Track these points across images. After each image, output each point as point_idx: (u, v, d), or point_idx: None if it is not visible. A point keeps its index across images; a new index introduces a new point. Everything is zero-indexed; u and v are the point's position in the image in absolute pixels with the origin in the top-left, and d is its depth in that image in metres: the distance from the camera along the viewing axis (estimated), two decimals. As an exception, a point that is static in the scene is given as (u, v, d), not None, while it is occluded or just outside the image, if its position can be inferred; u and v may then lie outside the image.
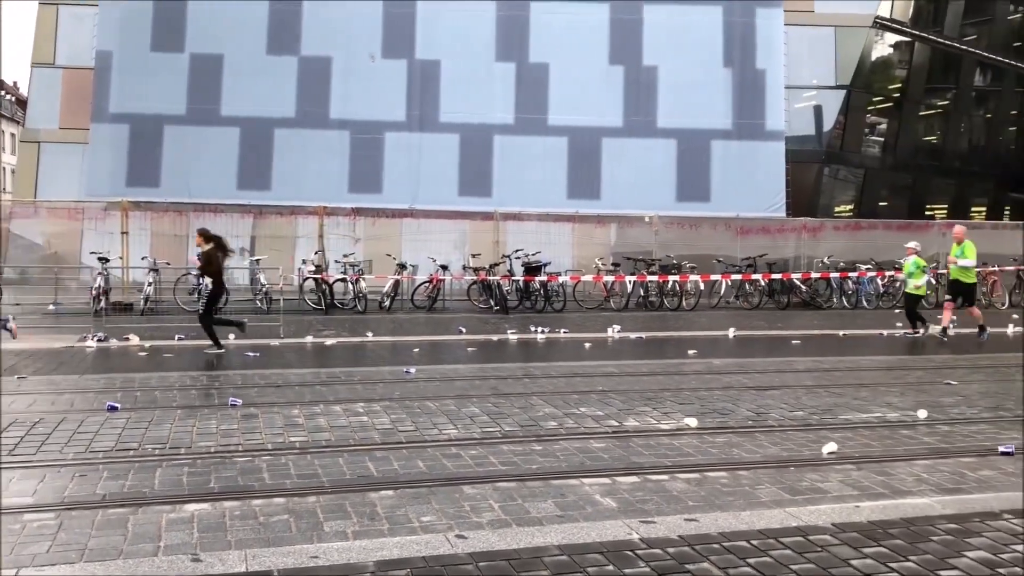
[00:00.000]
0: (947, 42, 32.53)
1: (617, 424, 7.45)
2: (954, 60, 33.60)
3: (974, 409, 8.44)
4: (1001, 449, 6.79)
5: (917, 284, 15.21)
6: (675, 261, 19.87)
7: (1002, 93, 36.59)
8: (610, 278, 19.11)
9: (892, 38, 30.97)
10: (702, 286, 19.23)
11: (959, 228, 15.03)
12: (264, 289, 16.81)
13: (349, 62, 26.19)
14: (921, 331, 14.92)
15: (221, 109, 25.87)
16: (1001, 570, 4.28)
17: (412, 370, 9.99)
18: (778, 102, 26.64)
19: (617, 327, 15.26)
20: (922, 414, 8.04)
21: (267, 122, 25.94)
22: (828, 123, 29.80)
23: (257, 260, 17.47)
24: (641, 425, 7.45)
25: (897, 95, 32.18)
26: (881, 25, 29.67)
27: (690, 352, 12.47)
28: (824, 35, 28.89)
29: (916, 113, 33.28)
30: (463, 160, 26.32)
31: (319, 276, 17.12)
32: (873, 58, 30.74)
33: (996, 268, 20.69)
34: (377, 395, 8.54)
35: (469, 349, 12.55)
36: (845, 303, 20.11)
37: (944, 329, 14.54)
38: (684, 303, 19.23)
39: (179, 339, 13.01)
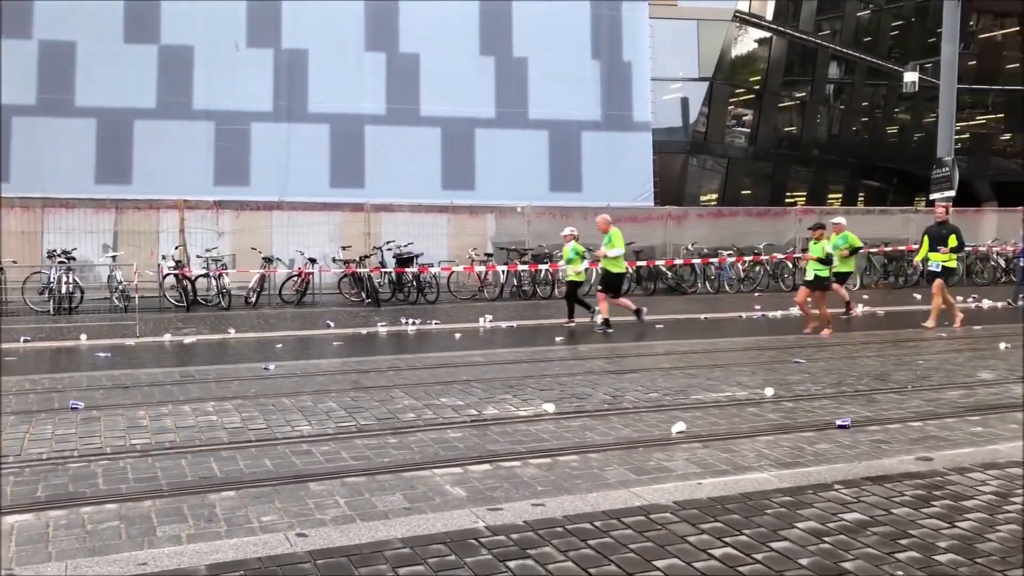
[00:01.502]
0: (803, 36, 34.04)
1: (476, 413, 7.45)
2: (810, 53, 35.22)
3: (818, 386, 8.85)
4: (838, 423, 7.13)
5: (576, 270, 14.86)
6: (547, 250, 20.08)
7: (854, 85, 38.60)
8: (483, 268, 19.13)
9: (752, 32, 32.18)
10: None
11: (602, 218, 14.41)
12: (121, 287, 16.06)
13: (212, 51, 25.27)
14: (574, 323, 14.47)
15: (75, 99, 24.54)
16: (827, 538, 4.46)
17: (271, 366, 9.73)
18: (645, 94, 27.27)
19: (489, 317, 15.31)
20: (769, 392, 8.38)
21: (126, 112, 24.75)
22: (693, 115, 30.75)
23: (113, 256, 16.66)
24: (500, 413, 7.47)
25: (757, 87, 33.49)
26: (741, 19, 30.78)
27: (557, 339, 12.62)
28: (687, 28, 29.76)
29: (775, 104, 34.73)
30: (334, 151, 25.83)
31: (179, 272, 16.46)
32: (734, 51, 31.87)
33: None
34: (231, 393, 8.27)
35: (335, 343, 12.34)
36: (708, 288, 20.80)
37: (606, 321, 13.77)
38: (557, 291, 19.45)
39: (24, 341, 12.28)
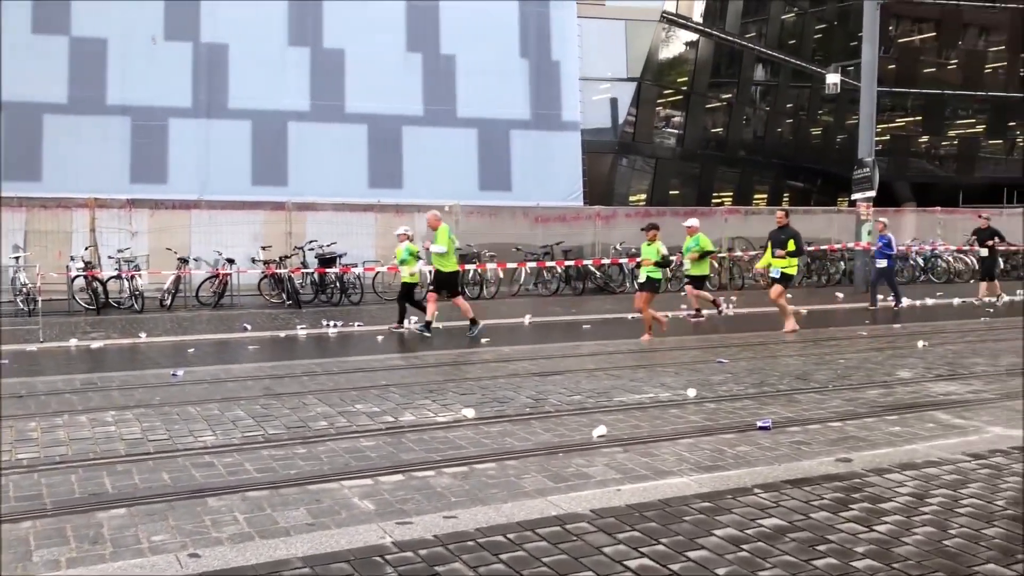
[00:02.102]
0: (729, 38, 34.46)
1: (392, 420, 7.19)
2: (736, 55, 35.69)
3: (740, 386, 8.81)
4: (759, 424, 7.06)
5: (411, 271, 14.35)
6: (475, 250, 19.86)
7: (779, 87, 39.29)
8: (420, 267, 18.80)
9: (679, 33, 32.44)
10: (501, 274, 19.33)
11: (432, 214, 13.77)
12: (25, 289, 15.27)
13: (127, 44, 24.38)
14: (405, 328, 13.83)
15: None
16: (745, 546, 4.34)
17: (180, 372, 9.30)
18: (573, 93, 27.25)
19: (414, 318, 14.99)
20: (691, 393, 8.29)
21: (36, 107, 23.69)
22: (621, 115, 30.87)
23: (15, 257, 15.87)
24: (417, 419, 7.22)
25: (685, 88, 33.79)
26: (668, 20, 31.00)
27: (483, 341, 12.40)
28: (615, 29, 29.84)
29: (703, 105, 35.10)
30: (256, 148, 25.16)
31: (87, 274, 15.74)
32: (662, 52, 32.09)
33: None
34: (134, 402, 7.84)
35: (251, 347, 11.89)
36: (636, 287, 20.77)
37: (427, 324, 13.21)
38: (485, 291, 19.24)
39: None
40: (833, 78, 23.12)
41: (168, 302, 16.70)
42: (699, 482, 5.48)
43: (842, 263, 22.91)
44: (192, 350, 11.52)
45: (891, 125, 46.08)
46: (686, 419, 7.35)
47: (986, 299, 18.70)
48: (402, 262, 14.38)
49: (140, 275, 16.23)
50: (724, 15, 34.51)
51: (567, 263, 19.85)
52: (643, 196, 32.78)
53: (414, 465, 5.88)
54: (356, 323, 14.50)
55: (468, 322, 13.19)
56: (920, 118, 45.95)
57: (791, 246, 13.59)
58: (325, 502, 5.12)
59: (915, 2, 43.23)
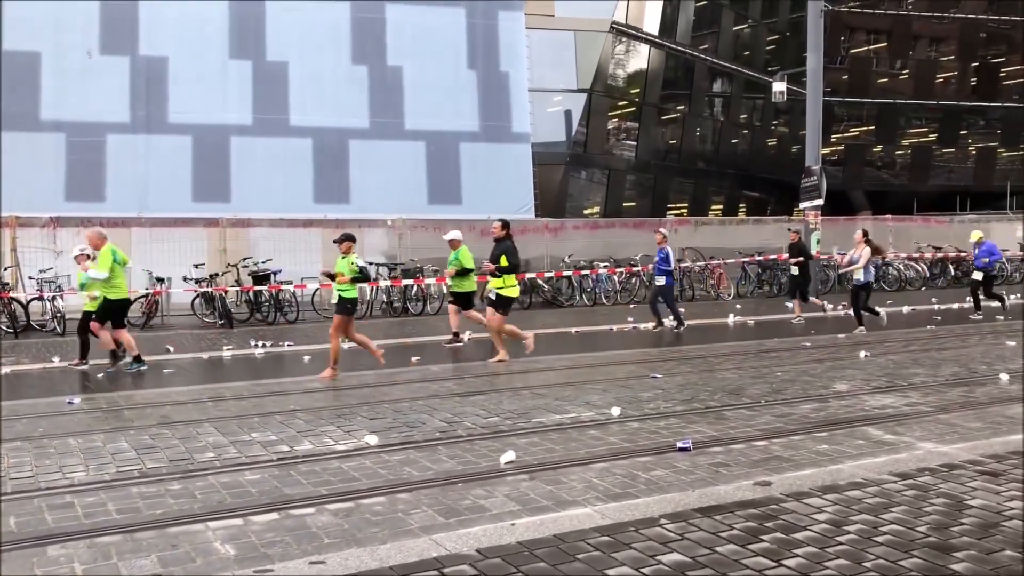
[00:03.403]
0: (680, 48, 34.41)
1: (287, 450, 6.67)
2: (688, 66, 35.64)
3: (669, 403, 8.40)
4: (678, 445, 6.65)
5: (93, 295, 11.34)
6: (419, 265, 19.37)
7: (732, 98, 39.31)
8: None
9: (630, 43, 32.30)
10: (445, 289, 18.81)
11: (91, 233, 11.58)
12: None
13: (61, 58, 23.66)
14: (86, 363, 11.50)
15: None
16: (638, 587, 3.91)
17: (76, 400, 8.71)
18: (523, 104, 26.93)
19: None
20: (615, 411, 7.87)
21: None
22: (572, 126, 30.62)
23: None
24: (314, 448, 6.71)
25: (637, 99, 33.63)
26: (618, 30, 30.83)
27: (413, 359, 11.91)
28: (565, 39, 29.62)
29: (655, 116, 34.99)
30: (197, 163, 24.53)
31: (2, 295, 15.00)
32: (612, 63, 31.90)
33: (721, 261, 21.79)
34: (12, 434, 7.23)
35: (165, 371, 11.26)
36: (585, 300, 20.45)
37: (113, 352, 11.17)
38: (428, 307, 18.76)
39: None
40: (779, 86, 23.02)
41: (93, 323, 15.95)
42: (602, 513, 5.05)
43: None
44: (102, 375, 10.89)
45: (845, 135, 46.46)
46: (604, 441, 6.92)
47: (795, 319, 16.71)
48: (81, 286, 11.79)
49: (62, 296, 15.51)
50: (675, 26, 34.47)
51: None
52: (596, 208, 32.51)
53: (294, 502, 5.37)
54: (286, 343, 13.94)
55: (110, 354, 11.15)
56: (873, 128, 46.36)
57: (503, 262, 11.42)
58: (182, 547, 4.60)
59: (866, 13, 43.69)
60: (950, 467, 5.99)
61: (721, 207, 39.89)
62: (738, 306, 19.56)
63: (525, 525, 4.85)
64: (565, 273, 20.27)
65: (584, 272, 20.37)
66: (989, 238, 18.34)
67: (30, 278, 16.04)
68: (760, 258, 22.48)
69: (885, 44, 45.84)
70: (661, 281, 15.71)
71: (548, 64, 28.70)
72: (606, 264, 20.75)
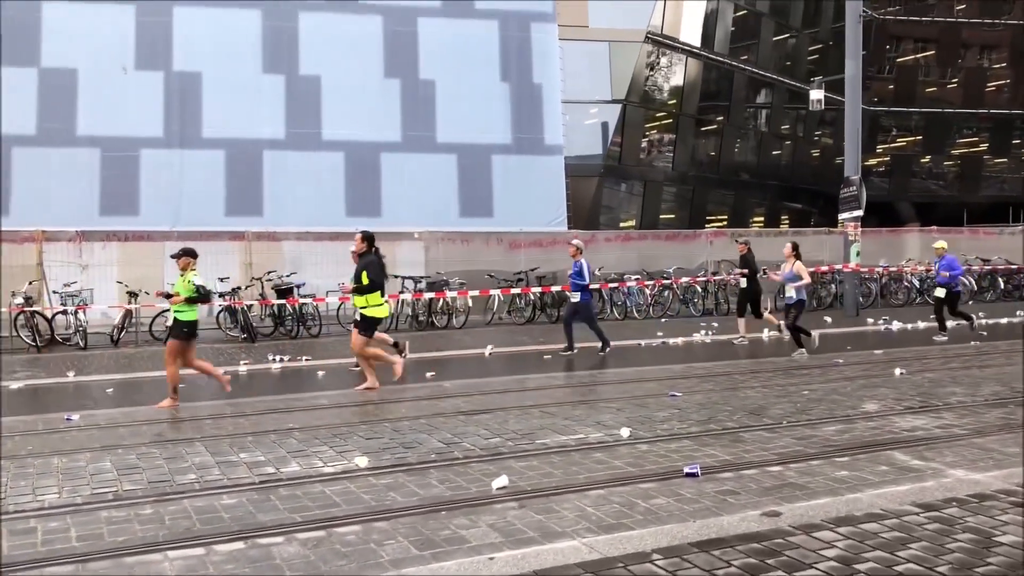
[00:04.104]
0: (719, 58, 33.84)
1: (272, 472, 6.37)
2: (726, 76, 35.01)
3: (684, 424, 7.96)
4: (686, 470, 6.22)
5: None
6: (445, 278, 19.10)
7: (773, 108, 38.57)
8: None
9: (666, 54, 31.82)
10: (471, 303, 18.54)
11: None
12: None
13: (97, 74, 23.92)
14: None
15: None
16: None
17: (75, 416, 8.53)
18: (556, 116, 26.58)
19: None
20: (625, 432, 7.46)
21: (5, 140, 23.21)
22: (606, 138, 30.20)
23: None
24: (301, 470, 6.41)
25: (673, 110, 33.10)
26: (653, 41, 30.39)
27: (428, 375, 11.60)
28: (599, 50, 29.23)
29: (693, 127, 34.40)
30: (230, 177, 24.59)
31: (22, 309, 14.99)
32: (648, 74, 31.45)
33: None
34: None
35: (180, 386, 11.06)
36: (616, 314, 19.99)
37: None
38: (454, 321, 18.46)
39: None
40: (817, 94, 22.39)
41: (117, 337, 15.96)
42: (591, 546, 4.68)
43: (833, 286, 22.00)
44: (110, 390, 10.75)
45: (892, 146, 45.37)
46: (608, 465, 6.51)
47: (738, 339, 15.37)
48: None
49: (86, 310, 15.49)
50: (713, 36, 33.91)
51: (534, 289, 19.01)
52: (632, 221, 32.00)
53: (265, 529, 5.06)
54: (304, 357, 13.72)
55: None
56: (921, 137, 45.20)
57: (363, 279, 10.28)
58: (131, 581, 4.32)
59: (913, 21, 42.67)
60: (981, 497, 5.50)
61: (762, 219, 39.09)
62: (774, 320, 18.92)
63: (504, 560, 4.49)
64: (593, 286, 19.78)
65: (612, 285, 19.90)
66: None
67: (54, 292, 16.07)
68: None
69: (933, 52, 44.70)
70: (576, 298, 14.05)
71: (582, 75, 28.34)
72: (637, 277, 20.25)
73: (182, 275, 9.66)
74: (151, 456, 6.84)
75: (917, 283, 23.29)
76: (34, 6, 23.61)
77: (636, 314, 20.11)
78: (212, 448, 7.09)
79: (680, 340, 15.63)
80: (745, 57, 36.00)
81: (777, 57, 38.28)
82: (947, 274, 15.63)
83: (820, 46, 40.25)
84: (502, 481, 5.92)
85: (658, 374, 11.27)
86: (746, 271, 15.52)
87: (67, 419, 8.47)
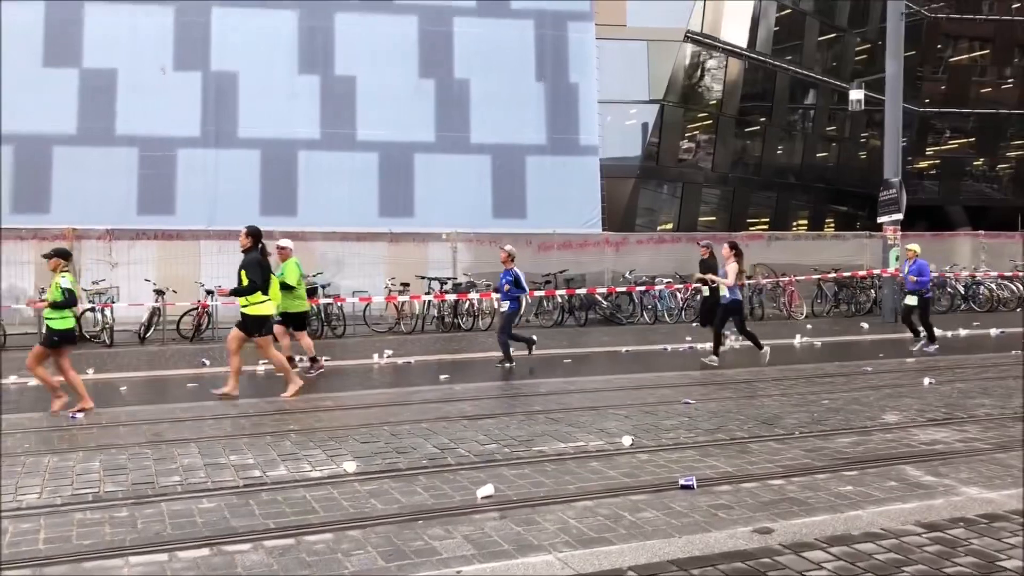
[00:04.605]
0: (761, 58, 33.20)
1: (258, 475, 6.26)
2: (769, 76, 34.36)
3: (692, 432, 7.70)
4: (681, 482, 5.97)
5: None
6: (472, 279, 18.97)
7: (818, 109, 37.77)
8: (405, 298, 18.04)
9: (706, 53, 31.31)
10: (496, 305, 18.34)
11: None
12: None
13: (137, 74, 24.24)
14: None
15: (-9, 127, 23.44)
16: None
17: (79, 415, 8.53)
18: (592, 117, 26.29)
19: (389, 351, 14.14)
20: (627, 441, 7.23)
21: (44, 139, 23.67)
22: (644, 138, 29.80)
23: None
24: (288, 474, 6.29)
25: (714, 110, 32.57)
26: (692, 40, 29.93)
27: (442, 378, 11.45)
28: (637, 50, 28.87)
29: (734, 128, 33.82)
30: (265, 178, 24.75)
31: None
32: (687, 73, 30.98)
33: (790, 277, 20.67)
34: (-5, 450, 7.06)
35: (188, 385, 11.09)
36: (646, 318, 19.66)
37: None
38: (481, 323, 18.32)
39: None
40: (857, 94, 21.82)
41: (144, 335, 16.08)
42: (565, 561, 4.47)
43: (872, 291, 21.41)
44: (124, 388, 10.78)
45: (943, 147, 44.22)
46: (602, 475, 6.29)
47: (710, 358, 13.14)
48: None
49: (110, 307, 15.63)
50: (756, 35, 33.30)
51: (559, 292, 18.77)
52: (670, 224, 31.54)
53: (236, 536, 4.94)
54: (324, 358, 13.64)
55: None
56: (974, 139, 43.98)
57: (244, 280, 9.83)
58: (86, 587, 4.22)
59: (967, 20, 41.55)
60: (991, 518, 5.18)
61: (806, 222, 38.33)
62: (808, 326, 18.48)
63: (470, 573, 4.30)
64: (619, 289, 19.51)
65: (639, 288, 19.55)
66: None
67: (83, 290, 16.24)
68: (833, 275, 21.25)
69: (987, 52, 43.46)
70: (505, 307, 12.95)
71: (619, 75, 28.01)
72: (668, 280, 19.89)
73: (55, 275, 9.06)
74: (141, 457, 6.78)
75: (962, 289, 22.59)
76: (76, 7, 24.01)
77: (667, 318, 19.77)
78: (205, 450, 7.01)
79: (708, 345, 15.26)
80: (789, 57, 35.31)
81: (822, 57, 37.49)
82: (915, 279, 14.29)
83: (868, 46, 39.33)
84: (488, 490, 5.73)
85: (676, 380, 10.98)
86: (708, 278, 14.17)
87: (72, 417, 8.47)
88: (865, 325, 18.67)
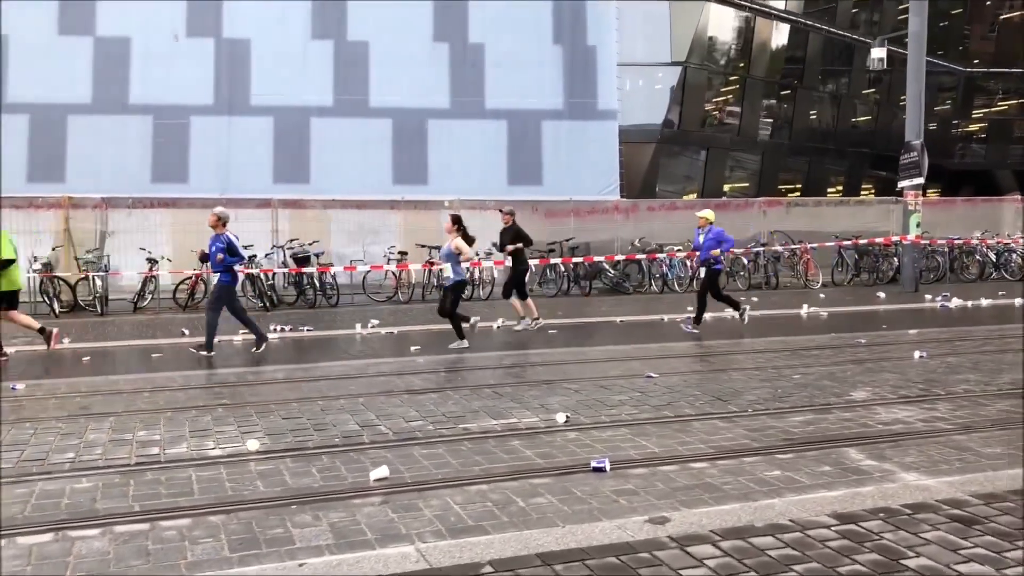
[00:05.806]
0: (790, 16, 31.94)
1: (155, 452, 6.01)
2: (800, 35, 33.09)
3: (636, 409, 7.28)
4: (593, 464, 5.58)
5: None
6: (476, 249, 18.54)
7: (853, 71, 36.37)
8: (391, 267, 17.77)
9: (731, 12, 30.18)
10: (496, 274, 17.98)
11: None
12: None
13: (150, 42, 24.14)
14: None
15: (5, 96, 23.55)
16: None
17: (19, 386, 8.39)
18: (611, 80, 25.57)
19: (375, 322, 13.87)
20: (561, 418, 6.84)
21: (59, 108, 23.71)
22: (665, 102, 28.93)
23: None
24: (186, 452, 6.02)
25: (740, 72, 31.49)
26: (717, -1, 28.89)
27: (412, 349, 11.14)
28: (659, 10, 27.96)
29: (761, 91, 32.68)
30: (278, 145, 24.56)
31: (45, 275, 15.17)
32: (711, 34, 29.91)
33: (804, 244, 19.91)
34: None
35: (154, 356, 10.90)
36: (654, 287, 19.12)
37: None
38: (481, 292, 17.96)
39: None
40: (879, 52, 20.82)
41: (137, 303, 16.02)
42: (424, 554, 4.11)
43: (895, 259, 20.57)
44: (87, 358, 10.64)
45: (992, 109, 42.43)
46: (517, 455, 5.91)
47: (519, 323, 13.22)
48: None
49: (100, 277, 15.58)
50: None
51: (554, 260, 18.30)
52: (694, 191, 30.69)
53: (95, 519, 4.67)
54: (305, 328, 13.43)
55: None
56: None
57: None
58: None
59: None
60: (917, 508, 4.71)
61: (841, 188, 37.12)
62: (822, 296, 17.80)
63: (315, 566, 3.97)
64: (618, 257, 18.96)
65: (641, 256, 18.96)
66: None
67: (75, 258, 16.23)
68: (849, 242, 20.42)
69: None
70: (216, 279, 11.24)
71: (639, 37, 27.15)
72: (678, 247, 19.26)
73: None
74: (51, 431, 6.57)
75: (993, 256, 21.62)
76: (90, -25, 23.92)
77: (677, 287, 19.19)
78: (120, 424, 6.78)
79: (709, 316, 14.72)
80: (823, 16, 33.96)
81: (859, 17, 36.02)
82: (718, 252, 12.54)
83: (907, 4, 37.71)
84: (382, 472, 5.40)
85: (651, 352, 10.52)
86: (519, 245, 13.20)
87: (12, 388, 8.33)
88: (882, 295, 17.91)
